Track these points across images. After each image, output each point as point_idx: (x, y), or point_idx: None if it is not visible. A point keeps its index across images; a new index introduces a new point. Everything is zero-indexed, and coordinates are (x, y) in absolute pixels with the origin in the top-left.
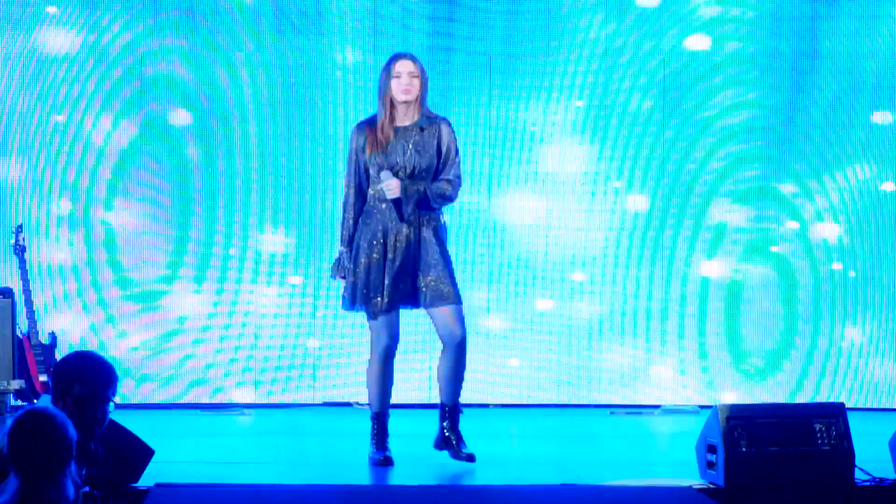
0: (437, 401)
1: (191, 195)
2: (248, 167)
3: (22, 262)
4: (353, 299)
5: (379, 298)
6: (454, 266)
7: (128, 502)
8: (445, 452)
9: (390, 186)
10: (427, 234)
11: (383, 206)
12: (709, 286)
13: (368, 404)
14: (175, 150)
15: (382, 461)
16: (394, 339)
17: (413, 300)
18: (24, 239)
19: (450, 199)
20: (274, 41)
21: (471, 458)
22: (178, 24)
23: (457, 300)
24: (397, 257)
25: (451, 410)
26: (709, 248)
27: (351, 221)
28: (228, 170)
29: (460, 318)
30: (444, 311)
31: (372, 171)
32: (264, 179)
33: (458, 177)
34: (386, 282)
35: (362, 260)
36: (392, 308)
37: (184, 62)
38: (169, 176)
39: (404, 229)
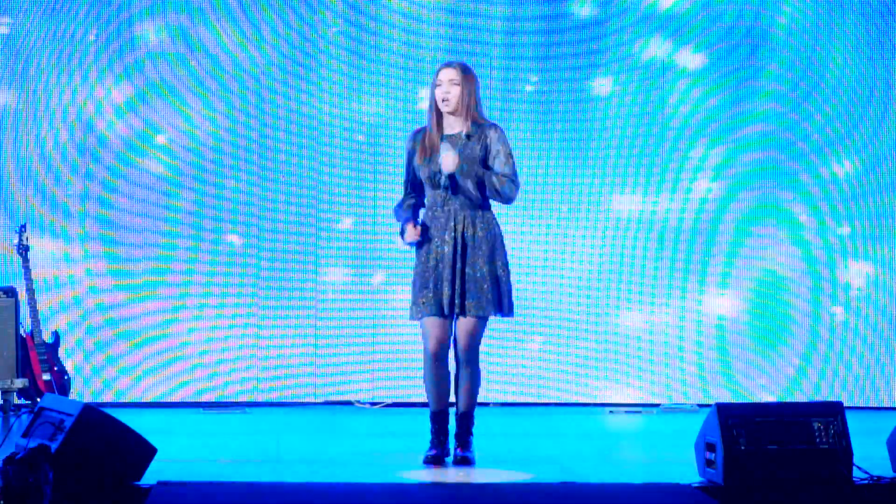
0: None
1: (193, 193)
2: (248, 167)
3: (25, 261)
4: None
5: (422, 300)
6: (506, 276)
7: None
8: (451, 451)
9: (448, 160)
10: (476, 243)
11: (437, 212)
12: (707, 285)
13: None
14: (171, 150)
15: (430, 459)
16: (439, 343)
17: (450, 309)
18: (27, 238)
19: (504, 195)
20: (275, 43)
21: (463, 461)
22: (179, 28)
23: (475, 312)
24: (443, 264)
25: (459, 417)
26: (708, 245)
27: (407, 204)
28: (227, 167)
29: (471, 331)
30: (461, 322)
31: (422, 177)
32: (265, 178)
33: (515, 174)
34: (430, 286)
35: (417, 265)
36: (434, 313)
37: (182, 66)
38: (168, 175)
39: (448, 237)
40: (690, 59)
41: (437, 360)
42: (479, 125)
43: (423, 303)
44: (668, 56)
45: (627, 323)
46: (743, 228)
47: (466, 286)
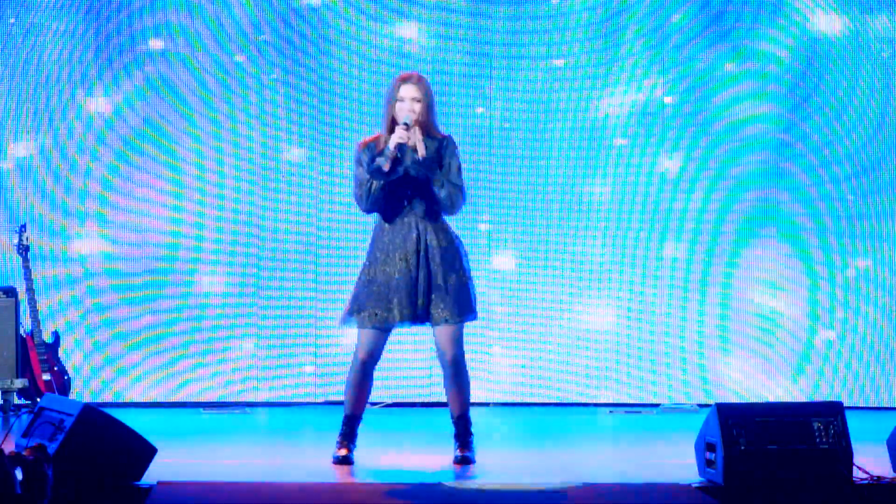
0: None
1: (192, 192)
2: (249, 166)
3: (25, 261)
4: (348, 310)
5: (367, 312)
6: (471, 282)
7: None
8: (450, 452)
9: (401, 134)
10: (438, 253)
11: (396, 224)
12: (708, 285)
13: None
14: (171, 148)
15: (341, 460)
16: (371, 356)
17: (415, 318)
18: (27, 238)
19: (452, 204)
20: (276, 44)
21: (464, 461)
22: (179, 26)
23: (455, 320)
24: (402, 276)
25: (456, 420)
26: (708, 247)
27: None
28: (228, 167)
29: (454, 339)
30: (439, 331)
31: None
32: (266, 178)
33: (463, 190)
34: (380, 298)
35: (365, 272)
36: (378, 325)
37: (182, 62)
38: (167, 174)
39: (410, 249)
40: (691, 60)
41: (368, 369)
42: (432, 137)
43: (374, 315)
44: (668, 56)
45: (628, 323)
46: (743, 228)
47: (438, 295)
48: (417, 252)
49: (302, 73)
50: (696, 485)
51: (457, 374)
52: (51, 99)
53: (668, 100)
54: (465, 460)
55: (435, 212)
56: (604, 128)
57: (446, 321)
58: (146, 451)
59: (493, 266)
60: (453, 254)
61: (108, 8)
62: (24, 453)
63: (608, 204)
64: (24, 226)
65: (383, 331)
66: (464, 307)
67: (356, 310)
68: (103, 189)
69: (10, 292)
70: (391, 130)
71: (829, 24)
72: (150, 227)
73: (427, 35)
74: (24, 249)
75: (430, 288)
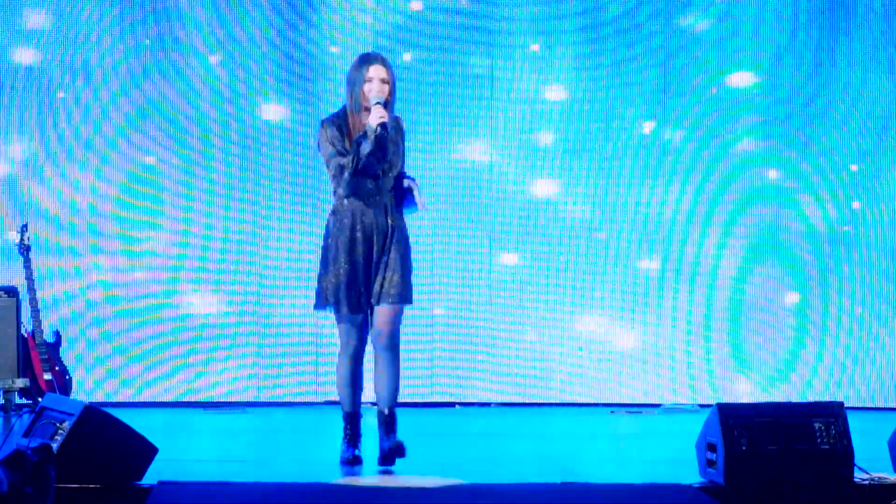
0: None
1: (193, 193)
2: (250, 165)
3: (27, 260)
4: (324, 300)
5: (347, 299)
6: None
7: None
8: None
9: (382, 113)
10: (396, 235)
11: (370, 203)
12: (709, 286)
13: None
14: (177, 148)
15: (352, 460)
16: (362, 341)
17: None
18: (28, 238)
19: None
20: (272, 37)
21: (399, 449)
22: (173, 27)
23: (397, 300)
24: (369, 259)
25: (391, 411)
26: (709, 245)
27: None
28: (234, 167)
29: (392, 319)
30: (381, 310)
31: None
32: (271, 178)
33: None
34: (356, 283)
35: (341, 260)
36: (360, 310)
37: (178, 63)
38: (170, 174)
39: (381, 229)
40: (692, 60)
41: (360, 357)
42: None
43: (347, 301)
44: (671, 54)
45: (628, 323)
46: (744, 230)
47: (394, 274)
48: (386, 233)
49: (306, 73)
50: (697, 485)
51: (396, 356)
52: (55, 97)
53: (671, 102)
54: (400, 449)
55: (396, 194)
56: (608, 128)
57: (390, 301)
58: (147, 451)
59: (495, 265)
60: (404, 234)
61: (111, 8)
62: (29, 453)
63: (609, 205)
64: (25, 225)
65: (364, 314)
66: (409, 290)
67: (335, 298)
68: (108, 188)
69: (12, 292)
70: (358, 110)
71: (833, 25)
72: (153, 227)
73: (430, 35)
74: (25, 249)
75: (387, 267)
